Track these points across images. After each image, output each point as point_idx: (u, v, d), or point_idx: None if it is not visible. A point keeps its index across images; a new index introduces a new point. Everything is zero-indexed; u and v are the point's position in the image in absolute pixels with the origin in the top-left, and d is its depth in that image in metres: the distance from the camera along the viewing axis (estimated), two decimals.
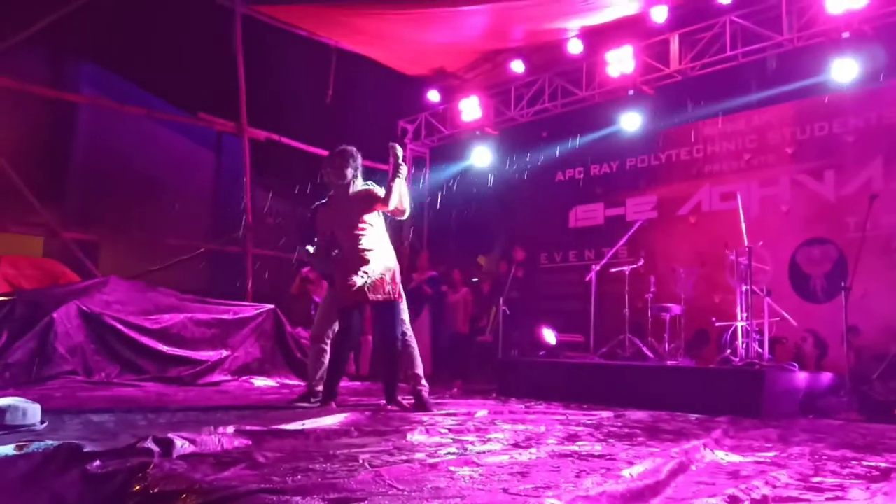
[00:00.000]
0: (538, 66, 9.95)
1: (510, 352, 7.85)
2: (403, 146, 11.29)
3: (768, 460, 2.84)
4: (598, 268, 7.61)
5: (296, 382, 6.82)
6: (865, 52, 7.42)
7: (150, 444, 2.20)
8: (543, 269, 10.11)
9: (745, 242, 6.14)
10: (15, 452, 2.03)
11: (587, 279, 7.65)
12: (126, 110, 9.95)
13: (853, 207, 7.17)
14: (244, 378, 6.89)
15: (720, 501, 1.92)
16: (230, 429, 2.71)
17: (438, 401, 5.17)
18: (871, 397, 5.26)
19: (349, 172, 4.58)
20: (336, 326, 4.71)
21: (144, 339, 6.43)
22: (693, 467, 2.57)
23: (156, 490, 1.81)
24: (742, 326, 6.01)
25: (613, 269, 7.54)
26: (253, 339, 7.25)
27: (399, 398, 4.54)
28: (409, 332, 4.78)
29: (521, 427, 3.68)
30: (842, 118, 7.69)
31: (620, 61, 8.97)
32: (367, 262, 4.50)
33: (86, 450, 2.05)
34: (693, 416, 4.69)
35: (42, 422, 2.98)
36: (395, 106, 11.43)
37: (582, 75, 9.50)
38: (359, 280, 4.46)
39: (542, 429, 3.64)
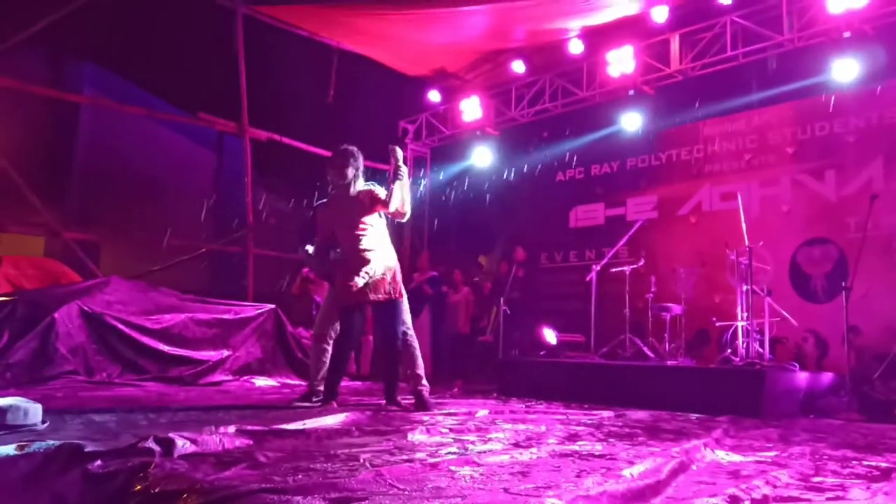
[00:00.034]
0: (539, 67, 9.95)
1: (511, 352, 7.86)
2: (404, 146, 11.33)
3: (769, 460, 2.84)
4: (598, 268, 7.61)
5: (297, 382, 6.83)
6: (866, 52, 7.42)
7: (151, 444, 2.20)
8: (544, 269, 10.12)
9: (746, 242, 6.13)
10: (16, 452, 2.03)
11: (588, 279, 7.65)
12: (127, 110, 9.97)
13: (854, 207, 7.17)
14: (245, 378, 6.89)
15: (721, 501, 1.92)
16: (231, 428, 2.71)
17: (439, 400, 5.17)
18: (872, 397, 5.26)
19: (350, 172, 4.58)
20: (338, 326, 4.71)
21: (146, 339, 6.43)
22: (694, 467, 2.57)
23: (157, 490, 1.81)
24: (742, 326, 6.01)
25: (614, 269, 7.54)
26: (254, 338, 7.25)
27: (399, 398, 4.54)
28: (411, 332, 4.78)
29: (521, 427, 3.68)
30: (842, 118, 7.69)
31: (621, 61, 8.98)
32: (367, 262, 4.50)
33: (87, 450, 2.05)
34: (693, 416, 4.69)
35: (43, 422, 2.98)
36: (395, 106, 11.44)
37: (582, 75, 9.50)
38: (360, 281, 4.47)
39: (543, 428, 3.64)
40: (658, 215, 9.00)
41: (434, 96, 11.03)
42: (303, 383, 5.78)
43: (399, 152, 4.63)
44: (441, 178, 11.54)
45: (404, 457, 2.53)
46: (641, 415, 4.65)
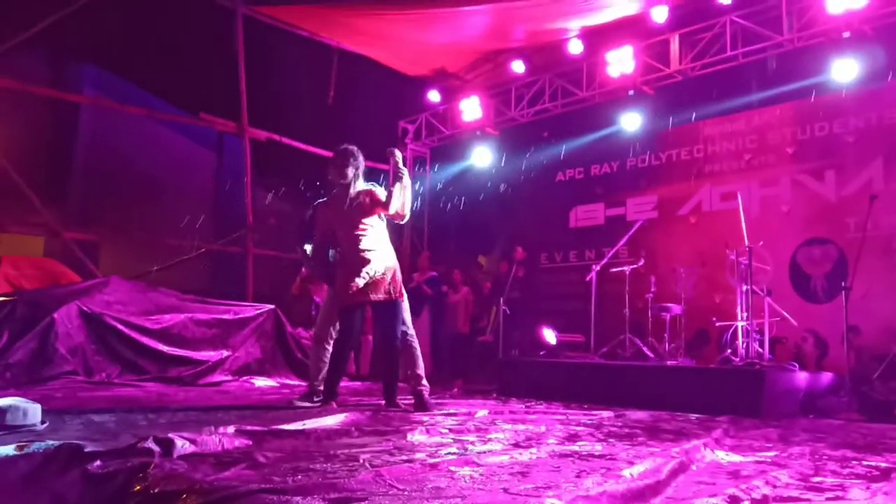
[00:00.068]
0: (539, 67, 9.96)
1: (511, 352, 7.85)
2: (404, 147, 11.34)
3: (769, 460, 2.84)
4: (598, 268, 7.61)
5: (296, 382, 6.83)
6: (865, 52, 7.42)
7: (150, 444, 2.20)
8: (544, 269, 10.12)
9: (746, 242, 6.13)
10: (16, 452, 2.03)
11: (587, 279, 7.65)
12: (127, 111, 9.97)
13: (853, 208, 7.17)
14: (245, 378, 6.89)
15: (720, 501, 1.93)
16: (231, 429, 2.70)
17: (439, 401, 5.17)
18: (872, 397, 5.26)
19: (350, 172, 4.58)
20: (338, 326, 4.71)
21: (145, 340, 6.43)
22: (693, 467, 2.57)
23: (156, 490, 1.81)
24: (742, 326, 6.01)
25: (614, 269, 7.54)
26: (253, 339, 7.25)
27: (398, 399, 4.54)
28: (412, 332, 4.78)
29: (521, 427, 3.68)
30: (842, 118, 7.69)
31: (621, 61, 8.98)
32: (367, 262, 4.50)
33: (86, 450, 2.04)
34: (693, 416, 4.69)
35: (43, 422, 2.98)
36: (395, 106, 11.45)
37: (582, 75, 9.50)
38: (360, 281, 4.47)
39: (543, 429, 3.64)
40: (658, 215, 9.00)
41: (434, 96, 11.03)
42: (302, 384, 5.77)
43: (398, 155, 4.63)
44: (441, 178, 11.54)
45: (404, 457, 2.53)
46: (641, 415, 4.65)
